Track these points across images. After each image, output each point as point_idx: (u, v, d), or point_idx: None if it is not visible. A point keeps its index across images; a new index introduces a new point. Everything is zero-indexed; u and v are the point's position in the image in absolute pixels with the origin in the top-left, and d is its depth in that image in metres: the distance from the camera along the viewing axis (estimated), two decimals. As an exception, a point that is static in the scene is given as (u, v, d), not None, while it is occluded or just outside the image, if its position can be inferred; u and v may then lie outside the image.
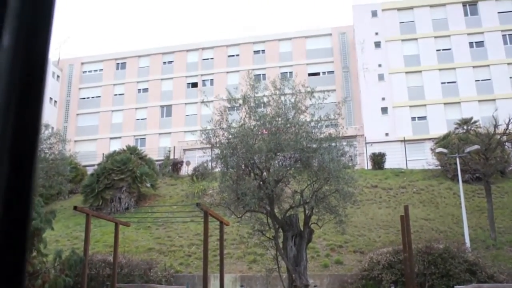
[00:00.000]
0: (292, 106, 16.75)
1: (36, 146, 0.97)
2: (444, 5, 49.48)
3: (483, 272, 19.11)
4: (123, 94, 58.05)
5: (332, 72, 54.43)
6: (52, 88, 56.49)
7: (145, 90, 57.81)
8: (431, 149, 35.68)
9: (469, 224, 24.27)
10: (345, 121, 43.20)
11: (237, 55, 56.92)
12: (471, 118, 37.41)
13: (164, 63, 58.45)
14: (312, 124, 17.13)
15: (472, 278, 18.81)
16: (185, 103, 55.86)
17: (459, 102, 46.03)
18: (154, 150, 47.37)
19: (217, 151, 17.15)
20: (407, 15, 50.00)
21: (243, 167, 16.44)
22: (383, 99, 46.90)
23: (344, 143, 17.91)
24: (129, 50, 59.83)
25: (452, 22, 48.87)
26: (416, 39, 49.00)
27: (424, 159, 36.63)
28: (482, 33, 48.07)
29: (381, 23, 49.47)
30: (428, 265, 19.40)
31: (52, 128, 31.14)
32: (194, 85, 56.43)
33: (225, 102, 18.14)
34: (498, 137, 26.39)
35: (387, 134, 45.16)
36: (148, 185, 33.27)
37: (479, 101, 45.62)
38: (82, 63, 60.21)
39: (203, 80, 56.71)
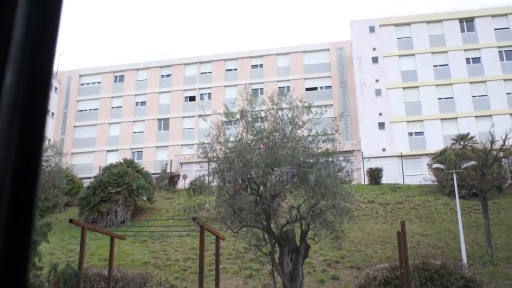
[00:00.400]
0: (289, 121, 16.79)
1: (40, 158, 0.98)
2: (440, 21, 49.83)
3: (480, 288, 19.02)
4: (120, 107, 58.08)
5: (329, 87, 54.59)
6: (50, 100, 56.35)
7: (143, 103, 57.87)
8: (428, 165, 35.69)
9: (466, 240, 24.21)
10: (342, 136, 43.25)
11: (235, 69, 57.09)
12: (468, 134, 37.50)
13: (162, 76, 58.57)
14: (309, 139, 17.15)
15: (469, 295, 18.71)
16: (183, 117, 55.91)
17: (456, 118, 46.18)
18: (151, 163, 47.31)
19: (214, 165, 17.14)
20: (404, 31, 50.31)
21: (240, 182, 16.43)
22: (380, 114, 47.02)
23: (341, 158, 17.91)
24: (127, 63, 59.95)
25: (449, 38, 49.18)
26: (413, 54, 49.25)
27: (421, 174, 36.65)
28: (478, 49, 48.37)
29: (378, 39, 49.75)
30: (425, 281, 19.31)
31: (49, 140, 31.12)
32: (192, 98, 56.52)
33: (223, 116, 18.17)
34: (495, 153, 26.43)
35: (384, 149, 45.21)
36: (145, 198, 33.16)
37: (476, 117, 45.76)
38: (80, 76, 60.29)
39: (201, 94, 56.81)
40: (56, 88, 58.86)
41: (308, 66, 55.43)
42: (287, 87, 50.70)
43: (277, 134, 16.44)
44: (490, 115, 44.83)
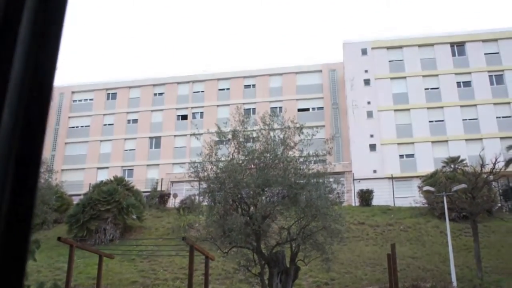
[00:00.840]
0: (281, 141, 16.84)
1: (38, 173, 0.99)
2: (432, 45, 50.39)
3: (469, 313, 18.99)
4: (112, 124, 58.00)
5: (321, 108, 54.85)
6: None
7: (135, 121, 57.83)
8: (419, 187, 35.81)
9: (456, 263, 24.21)
10: (333, 157, 43.32)
11: (228, 88, 57.28)
12: (459, 157, 37.69)
13: (155, 94, 58.64)
14: (301, 160, 17.19)
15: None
16: (174, 135, 55.88)
17: (446, 141, 46.46)
18: (141, 181, 47.12)
19: (205, 185, 17.12)
20: (396, 54, 50.80)
21: (231, 202, 16.40)
22: (372, 136, 47.23)
23: (332, 180, 17.95)
24: (120, 80, 59.97)
25: (440, 62, 49.70)
26: (405, 77, 49.67)
27: (411, 196, 36.73)
28: (469, 73, 48.89)
29: (370, 61, 50.18)
30: (414, 304, 19.26)
31: (40, 157, 30.90)
32: (184, 117, 56.55)
33: (215, 135, 18.19)
34: (485, 176, 26.59)
35: (375, 171, 45.33)
36: (134, 216, 32.96)
37: (466, 140, 46.07)
38: (73, 92, 60.21)
39: (193, 113, 56.87)
40: (48, 104, 58.53)
41: (300, 87, 55.73)
42: (279, 107, 50.93)
43: (268, 154, 16.47)
44: (481, 139, 45.13)
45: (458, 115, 47.46)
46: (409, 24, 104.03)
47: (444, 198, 26.49)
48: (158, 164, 54.33)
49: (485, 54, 49.26)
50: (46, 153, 53.72)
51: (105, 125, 58.20)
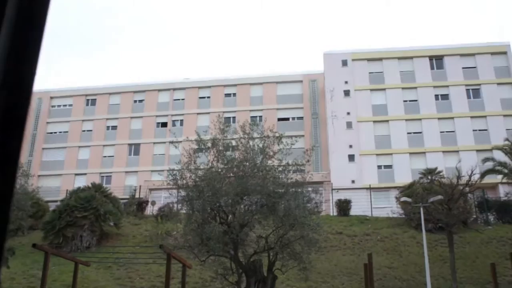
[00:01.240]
0: (260, 151, 16.89)
1: (14, 178, 1.00)
2: (411, 58, 51.06)
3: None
4: (91, 130, 57.53)
5: (301, 118, 55.12)
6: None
7: (114, 127, 57.44)
8: (396, 198, 36.09)
9: (432, 274, 24.45)
10: (312, 167, 43.55)
11: (208, 97, 57.26)
12: (436, 168, 38.13)
13: (135, 101, 58.34)
14: (280, 169, 17.25)
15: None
16: (154, 143, 55.61)
17: (424, 152, 46.99)
18: (119, 188, 46.72)
19: (183, 193, 17.07)
20: (376, 66, 51.32)
21: (209, 210, 16.38)
22: (351, 146, 47.57)
23: (310, 189, 18.04)
24: (100, 86, 59.57)
25: (419, 74, 50.38)
26: (384, 89, 50.18)
27: (389, 207, 37.03)
28: (447, 86, 49.63)
29: (351, 72, 50.63)
30: (390, 314, 19.38)
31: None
32: (164, 124, 56.34)
33: (194, 144, 18.18)
34: (461, 188, 26.94)
35: (353, 181, 45.63)
36: (111, 224, 32.66)
37: (444, 152, 46.68)
38: (51, 97, 59.60)
39: (173, 120, 56.70)
40: (26, 109, 57.82)
41: (281, 96, 55.96)
42: (260, 116, 51.08)
43: (247, 163, 16.51)
44: (457, 151, 45.76)
45: (435, 127, 48.10)
46: (390, 37, 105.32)
47: (421, 209, 26.78)
48: (136, 171, 53.99)
49: (462, 68, 50.09)
50: (23, 159, 53.01)
51: (83, 131, 57.69)
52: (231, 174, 16.42)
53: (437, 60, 50.96)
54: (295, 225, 15.99)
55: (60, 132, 58.15)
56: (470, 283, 25.01)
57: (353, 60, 51.15)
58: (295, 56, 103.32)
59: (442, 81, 49.80)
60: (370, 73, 50.98)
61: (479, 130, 47.64)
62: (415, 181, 36.80)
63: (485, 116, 48.10)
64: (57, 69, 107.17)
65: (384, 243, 30.91)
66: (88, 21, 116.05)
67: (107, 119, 57.81)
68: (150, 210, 39.46)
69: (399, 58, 51.10)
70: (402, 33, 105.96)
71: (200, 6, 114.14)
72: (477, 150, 45.41)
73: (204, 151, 17.57)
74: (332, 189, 42.06)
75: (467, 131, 47.51)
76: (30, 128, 57.77)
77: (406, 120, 48.63)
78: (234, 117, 52.24)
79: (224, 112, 51.59)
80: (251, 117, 50.22)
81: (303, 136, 51.52)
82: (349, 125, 48.62)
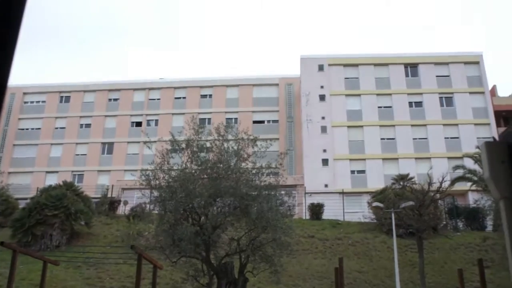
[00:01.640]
0: (234, 153, 16.89)
1: None
2: (387, 65, 51.62)
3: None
4: (64, 128, 56.77)
5: (276, 121, 55.27)
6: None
7: (88, 125, 56.78)
8: (368, 203, 36.40)
9: (401, 278, 24.74)
10: (286, 171, 43.68)
11: (184, 97, 57.01)
12: (408, 175, 38.55)
13: (110, 100, 57.76)
14: (253, 172, 17.27)
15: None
16: (127, 142, 55.13)
17: (397, 158, 47.53)
18: (91, 187, 46.18)
19: (156, 193, 16.97)
20: (352, 71, 51.75)
21: (182, 212, 16.32)
22: (325, 151, 47.85)
23: (283, 192, 18.10)
24: (74, 83, 58.86)
25: (394, 81, 50.95)
26: (359, 95, 50.61)
27: (361, 212, 37.35)
28: (421, 94, 50.31)
29: (327, 77, 50.94)
30: (359, 318, 19.54)
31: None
32: (138, 124, 55.91)
33: (168, 144, 18.09)
34: (432, 194, 27.32)
35: (326, 186, 45.90)
36: (82, 223, 32.27)
37: (416, 158, 47.29)
38: (24, 93, 58.65)
39: (148, 120, 56.32)
40: (-3, 104, 56.83)
41: (256, 99, 56.04)
42: (235, 118, 51.06)
43: (221, 165, 16.50)
44: (429, 158, 46.43)
45: (409, 134, 48.71)
46: (366, 43, 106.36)
47: (392, 214, 27.09)
48: (109, 171, 53.46)
49: (436, 76, 50.84)
50: (-7, 155, 52.10)
51: (56, 128, 56.92)
52: (205, 176, 16.39)
53: (412, 68, 51.63)
54: (268, 228, 16.04)
55: (32, 128, 57.26)
56: (438, 288, 25.36)
57: (329, 65, 51.49)
58: (272, 59, 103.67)
59: (416, 89, 50.47)
60: (346, 78, 51.37)
61: (451, 137, 48.39)
62: (387, 186, 37.15)
63: (457, 124, 48.88)
64: (31, 64, 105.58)
65: (355, 247, 31.17)
66: (65, 16, 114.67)
67: (80, 116, 57.14)
68: (122, 210, 39.09)
69: (375, 65, 51.62)
70: (378, 40, 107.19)
71: (177, 6, 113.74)
72: (449, 158, 46.16)
73: (178, 152, 17.50)
74: (305, 193, 42.24)
75: (439, 138, 48.23)
76: (2, 124, 56.78)
77: (380, 126, 49.13)
78: (209, 119, 52.16)
79: (199, 113, 51.49)
80: (227, 119, 50.26)
81: (277, 139, 51.65)
82: (323, 129, 48.91)
